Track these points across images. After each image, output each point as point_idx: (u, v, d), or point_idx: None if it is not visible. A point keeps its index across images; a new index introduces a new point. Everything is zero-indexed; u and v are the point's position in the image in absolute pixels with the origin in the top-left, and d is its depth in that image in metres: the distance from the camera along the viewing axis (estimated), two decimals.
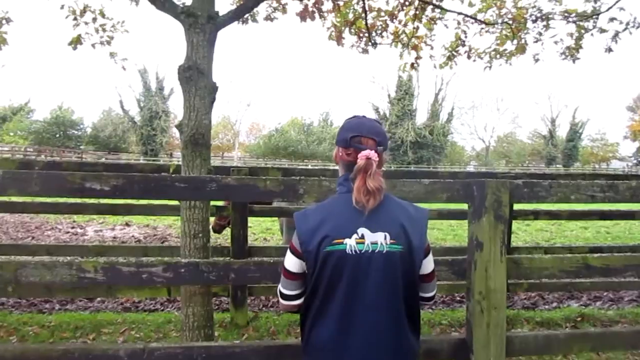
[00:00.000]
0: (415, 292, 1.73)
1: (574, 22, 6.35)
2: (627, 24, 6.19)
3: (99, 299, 5.41)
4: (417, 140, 49.47)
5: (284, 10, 5.72)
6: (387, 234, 1.62)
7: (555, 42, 6.61)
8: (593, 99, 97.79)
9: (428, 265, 1.77)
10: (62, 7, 5.14)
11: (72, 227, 10.25)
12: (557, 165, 55.00)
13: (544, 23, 6.32)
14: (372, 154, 1.65)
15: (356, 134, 1.74)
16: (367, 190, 1.61)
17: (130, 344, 2.76)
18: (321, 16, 5.66)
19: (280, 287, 1.79)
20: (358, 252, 1.60)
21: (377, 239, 1.61)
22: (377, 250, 1.61)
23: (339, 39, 6.04)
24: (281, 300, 1.81)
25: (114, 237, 9.41)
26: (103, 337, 4.31)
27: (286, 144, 56.89)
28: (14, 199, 5.45)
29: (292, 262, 1.73)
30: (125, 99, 51.51)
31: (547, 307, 5.71)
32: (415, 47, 6.48)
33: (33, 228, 10.01)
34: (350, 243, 1.60)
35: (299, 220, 1.71)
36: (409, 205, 1.76)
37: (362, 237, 1.61)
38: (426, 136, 49.77)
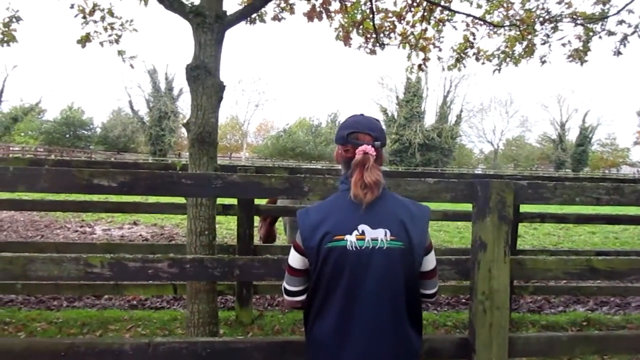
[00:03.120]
0: (415, 289, 1.75)
1: (582, 24, 6.33)
2: (636, 27, 6.17)
3: (106, 296, 5.46)
4: (425, 142, 49.35)
5: (292, 11, 5.75)
6: (387, 230, 1.64)
7: (563, 45, 6.60)
8: (603, 104, 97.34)
9: (429, 262, 1.78)
10: (72, 6, 5.21)
11: (81, 226, 10.33)
12: (567, 170, 54.60)
13: (552, 25, 6.31)
14: (369, 149, 1.69)
15: (353, 130, 1.78)
16: (364, 184, 1.64)
17: (136, 339, 2.79)
18: (328, 16, 5.68)
19: (284, 284, 1.83)
20: (358, 248, 1.62)
21: (377, 236, 1.63)
22: (377, 247, 1.62)
23: (346, 40, 6.06)
24: (285, 297, 1.84)
25: (122, 236, 9.47)
26: (110, 333, 4.35)
27: (294, 145, 56.96)
28: (24, 197, 5.50)
29: (295, 259, 1.76)
30: (135, 99, 51.77)
31: (552, 310, 5.69)
32: (423, 49, 6.48)
33: (42, 227, 10.09)
34: (351, 239, 1.63)
35: (301, 217, 1.74)
36: (411, 203, 1.77)
37: (363, 233, 1.63)
38: (434, 138, 49.65)
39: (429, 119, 52.65)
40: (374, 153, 1.69)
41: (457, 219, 5.24)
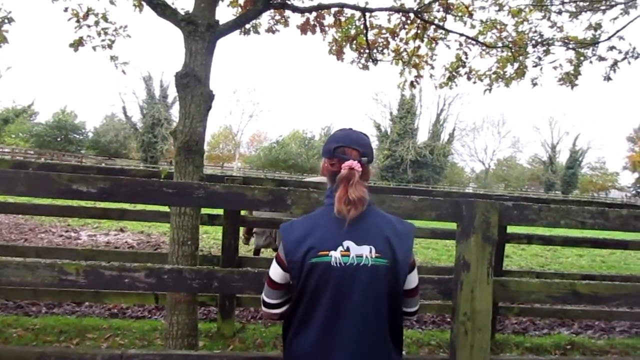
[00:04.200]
0: (398, 308, 1.72)
1: (574, 49, 6.40)
2: (627, 53, 6.24)
3: (86, 303, 5.36)
4: (418, 159, 49.53)
5: (286, 23, 5.76)
6: (372, 247, 1.61)
7: (555, 68, 6.66)
8: (594, 128, 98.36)
9: (412, 280, 1.76)
10: (65, 9, 5.18)
11: (66, 231, 10.20)
12: (556, 192, 54.99)
13: (544, 48, 6.38)
14: (355, 164, 1.67)
15: (340, 145, 1.75)
16: (348, 200, 1.61)
17: (109, 350, 2.73)
18: (322, 30, 5.71)
19: (263, 295, 1.80)
20: (343, 264, 1.60)
21: (362, 252, 1.60)
22: (362, 264, 1.60)
23: (339, 54, 6.08)
24: (263, 308, 1.81)
25: (108, 242, 9.36)
26: (87, 342, 4.26)
27: (286, 157, 56.94)
28: (10, 199, 5.42)
29: (276, 272, 1.73)
30: (129, 105, 51.70)
31: (537, 333, 5.66)
32: (416, 66, 6.52)
33: (27, 230, 9.95)
34: (336, 255, 1.60)
35: (284, 231, 1.70)
36: (395, 219, 1.75)
37: (348, 249, 1.61)
38: (426, 156, 49.84)
39: (422, 136, 52.97)
40: (360, 169, 1.67)
41: (445, 237, 5.22)
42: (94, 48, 5.52)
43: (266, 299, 1.78)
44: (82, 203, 5.86)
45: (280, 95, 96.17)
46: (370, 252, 1.61)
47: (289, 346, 1.73)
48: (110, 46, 5.55)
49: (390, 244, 1.63)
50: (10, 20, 5.30)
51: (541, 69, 6.69)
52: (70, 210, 5.14)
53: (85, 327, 4.58)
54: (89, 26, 5.41)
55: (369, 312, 1.62)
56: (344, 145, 1.75)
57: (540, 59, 6.57)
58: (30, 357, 2.15)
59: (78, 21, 5.30)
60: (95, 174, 2.23)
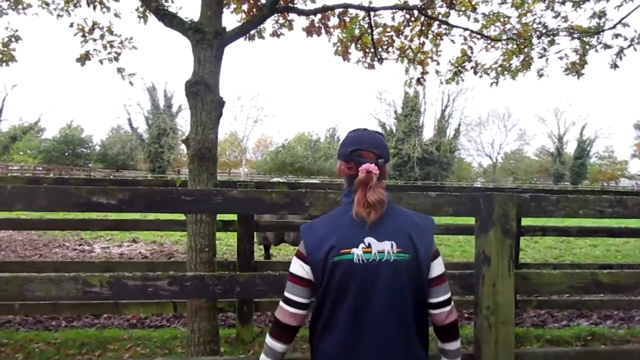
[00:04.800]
0: (423, 302, 1.71)
1: (579, 38, 6.37)
2: (632, 40, 6.21)
3: (105, 315, 5.39)
4: (424, 156, 49.46)
5: (290, 27, 5.77)
6: (393, 242, 1.62)
7: (560, 58, 6.64)
8: (601, 117, 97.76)
9: (437, 268, 1.74)
10: (71, 24, 5.24)
11: (80, 245, 10.26)
12: (565, 183, 54.65)
13: (549, 39, 6.36)
14: (373, 167, 1.67)
15: (356, 148, 1.76)
16: (367, 203, 1.62)
17: (135, 359, 2.75)
18: (327, 32, 5.71)
19: (285, 293, 1.74)
20: (365, 261, 1.60)
21: (384, 248, 1.61)
22: (384, 259, 1.61)
23: (345, 55, 6.09)
24: (283, 305, 1.73)
25: (121, 254, 9.41)
26: (109, 353, 4.29)
27: (293, 160, 57.06)
28: (22, 216, 5.47)
29: (297, 267, 1.71)
30: (134, 117, 51.89)
31: (556, 325, 5.63)
32: (422, 63, 6.51)
33: (41, 246, 10.03)
34: (358, 252, 1.61)
35: (305, 232, 1.72)
36: (414, 214, 1.76)
37: (369, 246, 1.61)
38: (433, 152, 49.76)
39: (428, 133, 52.90)
40: (377, 171, 1.68)
41: (458, 233, 5.21)
42: (100, 61, 5.57)
43: (289, 295, 1.72)
44: (94, 215, 5.91)
45: (284, 98, 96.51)
46: (392, 247, 1.62)
47: (316, 347, 1.73)
48: (116, 59, 5.60)
49: (411, 238, 1.64)
50: (18, 38, 5.36)
51: (547, 59, 6.67)
52: (86, 224, 5.18)
53: (106, 338, 4.61)
54: (94, 40, 5.46)
55: (392, 308, 1.62)
56: (360, 148, 1.75)
57: (545, 49, 6.54)
58: None
59: (84, 35, 5.35)
60: (109, 186, 2.24)
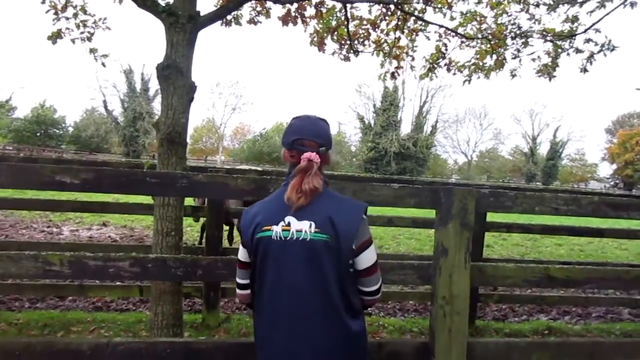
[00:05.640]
0: (348, 282, 1.73)
1: (552, 41, 6.51)
2: (602, 45, 6.36)
3: (70, 298, 5.35)
4: (401, 151, 49.74)
5: (268, 14, 5.76)
6: (312, 222, 1.67)
7: (533, 60, 6.77)
8: (574, 120, 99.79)
9: (365, 259, 1.76)
10: (43, 1, 5.12)
11: (48, 227, 10.08)
12: (537, 183, 55.73)
13: (523, 40, 6.48)
14: (314, 156, 1.75)
15: (298, 137, 1.83)
16: (300, 190, 1.69)
17: (94, 339, 2.75)
18: (303, 22, 5.72)
19: (236, 278, 1.90)
20: (282, 238, 1.68)
21: (302, 227, 1.67)
22: (301, 238, 1.66)
23: (320, 45, 6.10)
24: (237, 290, 1.92)
25: (90, 237, 9.29)
26: (72, 335, 4.26)
27: (270, 150, 56.78)
28: None
29: (241, 252, 1.84)
30: (109, 99, 50.80)
31: (517, 319, 5.80)
32: (397, 57, 6.57)
33: (7, 226, 9.81)
34: (277, 230, 1.68)
35: (244, 212, 1.82)
36: (346, 199, 1.83)
37: (289, 224, 1.68)
38: (410, 148, 50.07)
39: (405, 128, 53.16)
40: (318, 160, 1.75)
41: (425, 227, 5.29)
42: (72, 41, 5.46)
43: (237, 280, 1.89)
44: (64, 197, 5.83)
45: (264, 87, 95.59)
46: (310, 227, 1.67)
47: (254, 327, 1.84)
48: (89, 39, 5.50)
49: (332, 220, 1.68)
50: None
51: (520, 60, 6.78)
52: (53, 205, 5.11)
53: (70, 320, 4.58)
54: (67, 18, 5.35)
55: (308, 287, 1.67)
56: (302, 137, 1.82)
57: (519, 50, 6.66)
58: (17, 347, 2.16)
59: (56, 13, 5.24)
60: (73, 166, 2.23)
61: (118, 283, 4.93)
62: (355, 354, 1.76)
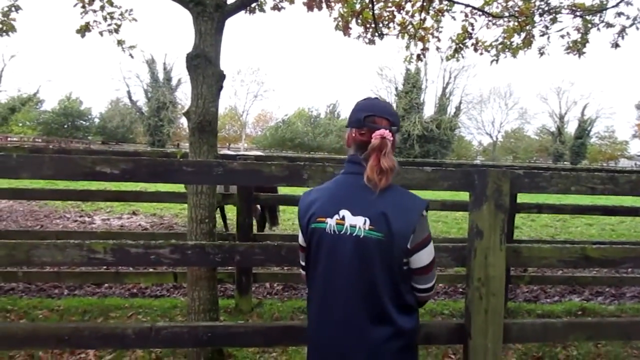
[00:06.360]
0: (399, 281, 1.66)
1: (581, 16, 6.33)
2: (635, 19, 6.17)
3: (106, 284, 5.51)
4: (424, 134, 49.29)
5: (292, 0, 5.73)
6: (367, 219, 1.61)
7: (562, 36, 6.60)
8: (602, 96, 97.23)
9: (420, 259, 1.69)
10: None
11: (80, 216, 10.35)
12: (565, 162, 54.64)
13: (551, 17, 6.32)
14: (387, 133, 1.65)
15: (370, 114, 1.73)
16: (380, 169, 1.59)
17: (138, 323, 2.84)
18: (328, 6, 5.67)
19: (299, 260, 1.91)
20: (336, 232, 1.64)
21: (356, 223, 1.62)
22: (354, 234, 1.61)
23: (345, 30, 6.06)
24: (300, 271, 1.92)
25: (121, 226, 9.51)
26: (111, 320, 4.40)
27: (292, 136, 56.94)
28: (23, 186, 5.53)
29: (300, 236, 1.83)
30: (133, 90, 51.54)
31: (548, 300, 5.75)
32: (422, 39, 6.48)
33: (42, 217, 10.11)
34: (331, 223, 1.65)
35: (302, 197, 1.80)
36: (404, 194, 1.71)
37: (343, 218, 1.63)
38: (433, 130, 49.57)
39: (428, 111, 52.60)
40: (392, 138, 1.66)
41: (455, 209, 5.26)
42: (100, 33, 5.54)
43: (300, 261, 1.90)
44: (94, 187, 5.96)
45: (285, 74, 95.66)
46: (365, 223, 1.60)
47: (308, 315, 1.84)
48: (117, 30, 5.57)
49: (386, 218, 1.59)
50: (17, 8, 5.32)
51: (548, 38, 6.63)
52: (87, 194, 5.24)
53: (108, 306, 4.73)
54: (94, 11, 5.42)
55: (358, 283, 1.62)
56: (374, 114, 1.72)
57: (547, 27, 6.50)
58: (65, 332, 2.25)
59: (84, 6, 5.30)
60: (111, 156, 2.29)
61: (151, 270, 5.07)
62: (404, 351, 1.70)
